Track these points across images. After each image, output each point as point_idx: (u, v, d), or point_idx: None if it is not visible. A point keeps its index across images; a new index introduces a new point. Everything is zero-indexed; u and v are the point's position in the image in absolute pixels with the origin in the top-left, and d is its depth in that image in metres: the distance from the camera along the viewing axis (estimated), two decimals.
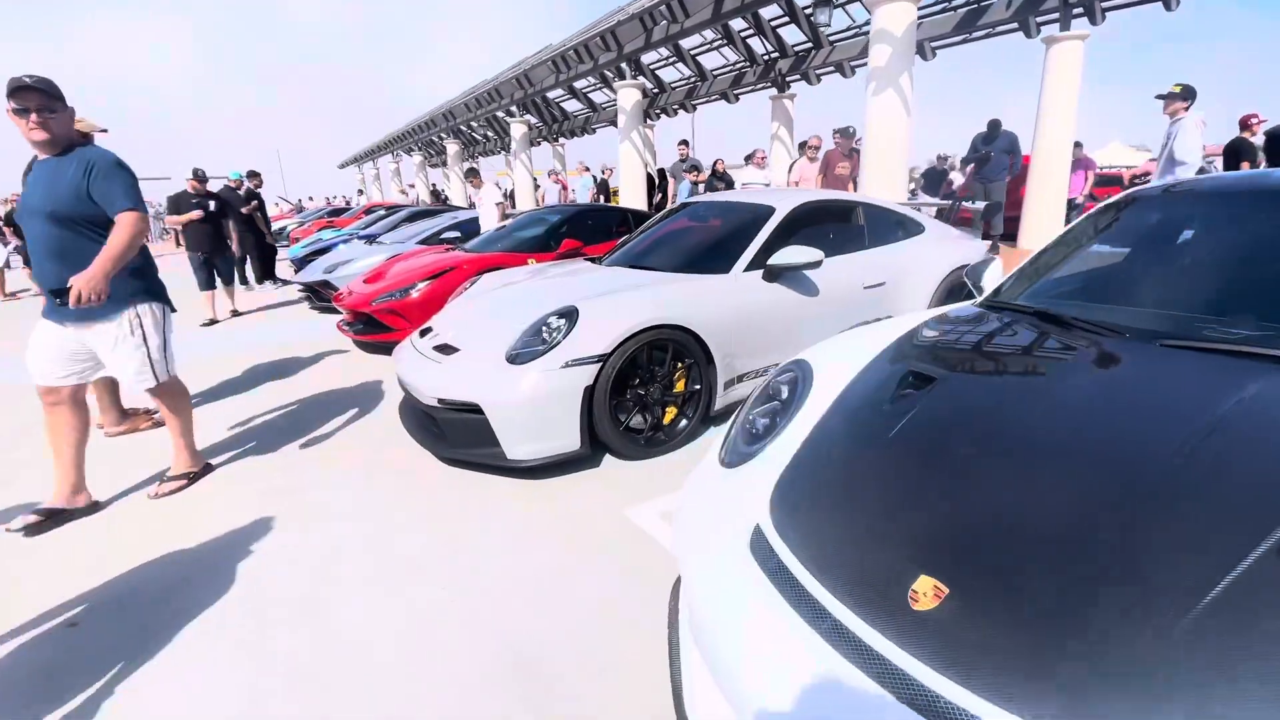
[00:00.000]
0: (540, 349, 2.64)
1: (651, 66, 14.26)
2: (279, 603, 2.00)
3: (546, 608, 1.92)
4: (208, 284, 6.70)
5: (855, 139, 7.12)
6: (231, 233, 6.80)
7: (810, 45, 11.74)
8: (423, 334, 3.31)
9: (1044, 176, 8.71)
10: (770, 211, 3.39)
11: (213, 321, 6.67)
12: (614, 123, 16.68)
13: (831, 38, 11.44)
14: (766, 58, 12.60)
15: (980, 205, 4.59)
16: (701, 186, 9.92)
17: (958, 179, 12.80)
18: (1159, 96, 4.61)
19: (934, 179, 11.76)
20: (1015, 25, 9.38)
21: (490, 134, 22.69)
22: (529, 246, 5.53)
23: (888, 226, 3.84)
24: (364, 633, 1.85)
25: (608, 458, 2.88)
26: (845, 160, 6.15)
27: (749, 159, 9.47)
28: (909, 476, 1.24)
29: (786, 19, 11.23)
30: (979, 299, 2.22)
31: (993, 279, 2.36)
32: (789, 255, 3.04)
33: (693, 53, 13.39)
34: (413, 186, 26.10)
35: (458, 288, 4.18)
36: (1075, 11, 8.54)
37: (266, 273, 9.28)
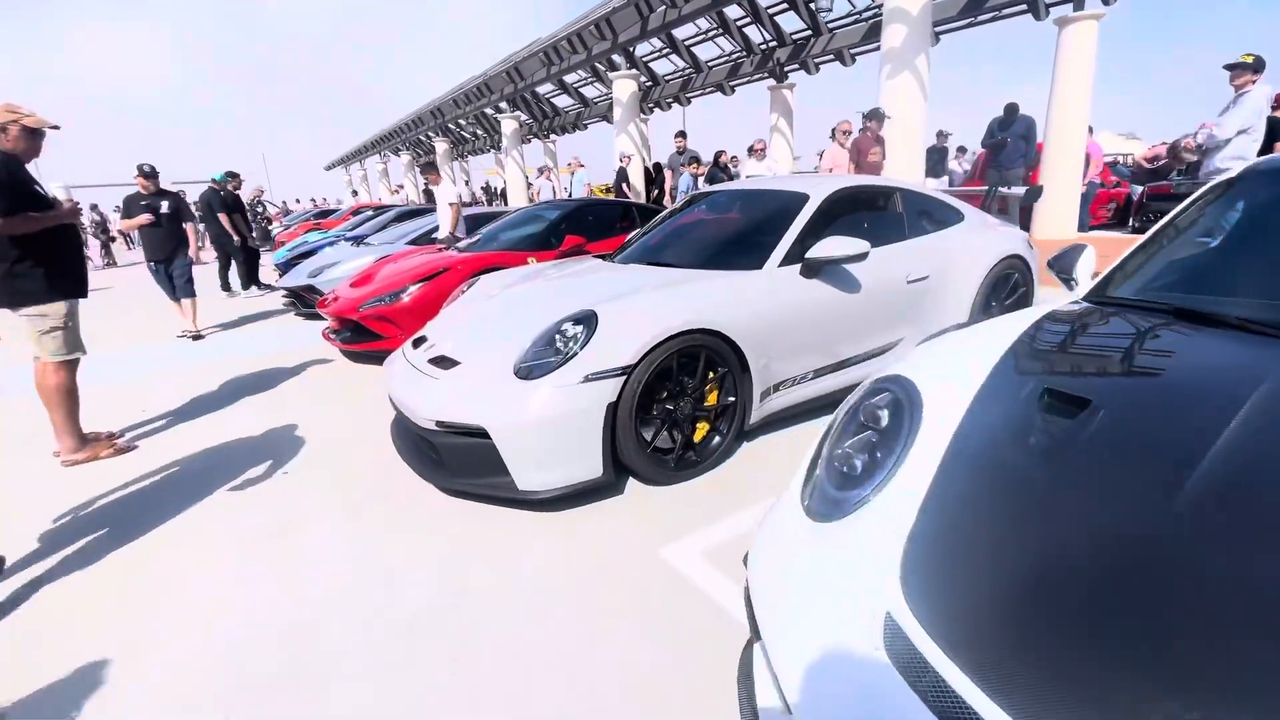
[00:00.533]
0: (554, 361, 2.27)
1: (645, 59, 13.88)
2: (256, 682, 1.63)
3: (569, 677, 1.57)
4: (173, 293, 6.05)
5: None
6: (189, 236, 6.07)
7: (809, 33, 11.39)
8: (416, 344, 2.94)
9: (1058, 163, 8.40)
10: (804, 199, 3.03)
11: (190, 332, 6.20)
12: (606, 118, 16.31)
13: (830, 24, 11.10)
14: (764, 47, 12.25)
15: (1019, 191, 4.25)
16: (702, 180, 9.56)
17: (955, 168, 12.49)
18: (1228, 66, 4.28)
19: (934, 158, 11.42)
20: (1024, 7, 9.07)
21: (480, 132, 22.23)
22: (528, 244, 5.15)
23: (927, 214, 3.49)
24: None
25: (631, 483, 2.52)
26: (877, 146, 5.80)
27: (752, 151, 9.12)
28: (1112, 547, 0.89)
29: (785, 6, 10.87)
30: (1080, 294, 1.88)
31: (1086, 270, 2.02)
32: (831, 247, 2.68)
33: (687, 43, 13.02)
34: (402, 187, 25.60)
35: (453, 291, 3.80)
36: None
37: (251, 278, 8.86)
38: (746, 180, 5.55)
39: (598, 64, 13.32)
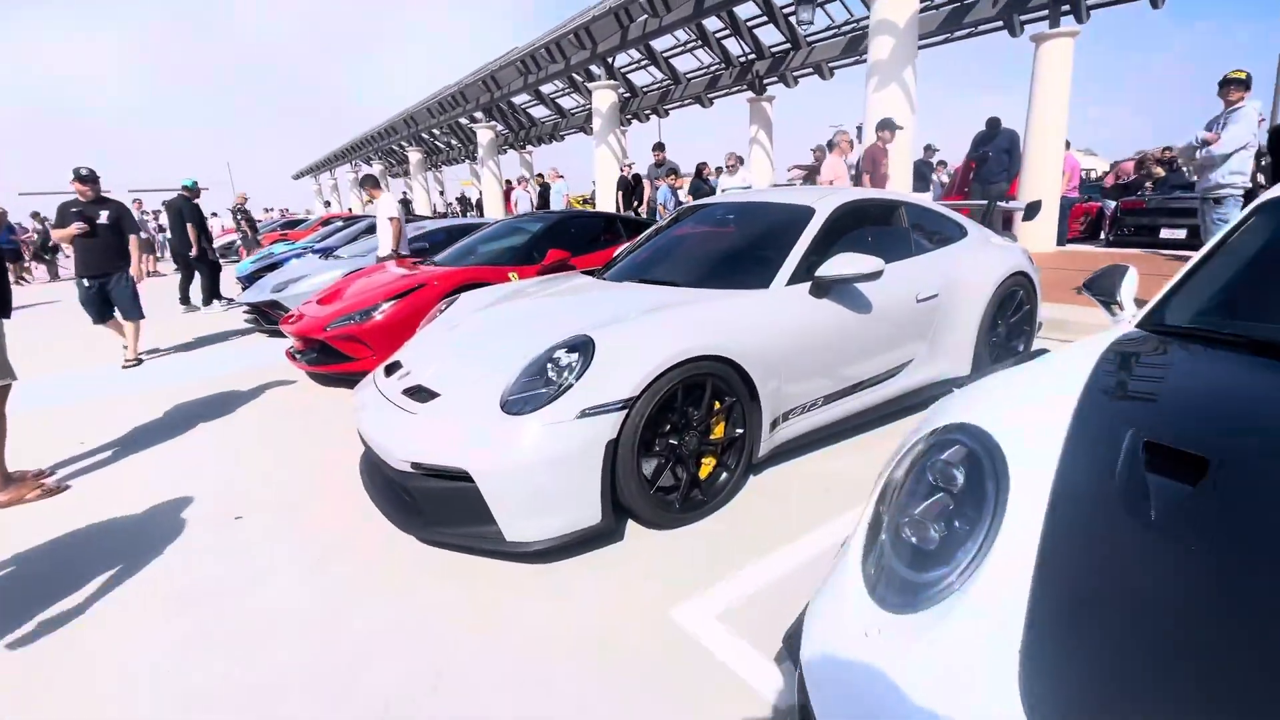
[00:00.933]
0: (546, 393, 2.02)
1: (623, 70, 13.76)
2: None
3: None
4: (100, 316, 5.30)
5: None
6: (132, 250, 5.31)
7: (788, 46, 11.40)
8: (389, 371, 2.66)
9: (1036, 177, 8.46)
10: (809, 213, 2.85)
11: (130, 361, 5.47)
12: (584, 129, 16.13)
13: (810, 38, 11.12)
14: (743, 59, 12.23)
15: (1019, 206, 4.15)
16: (682, 191, 9.43)
17: (933, 178, 12.57)
18: (1223, 82, 4.27)
19: (920, 173, 11.47)
20: (1000, 24, 9.18)
21: (454, 142, 21.88)
22: (509, 259, 4.89)
23: (933, 229, 3.34)
24: None
25: (631, 526, 2.27)
26: (886, 157, 5.67)
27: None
28: None
29: (764, 19, 10.86)
30: (1129, 320, 1.71)
31: (1130, 293, 1.86)
32: (843, 265, 2.49)
33: (666, 55, 12.94)
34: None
35: (430, 310, 3.52)
36: (1063, 9, 8.35)
37: (213, 292, 8.40)
38: (732, 193, 5.39)
39: (575, 74, 13.16)
